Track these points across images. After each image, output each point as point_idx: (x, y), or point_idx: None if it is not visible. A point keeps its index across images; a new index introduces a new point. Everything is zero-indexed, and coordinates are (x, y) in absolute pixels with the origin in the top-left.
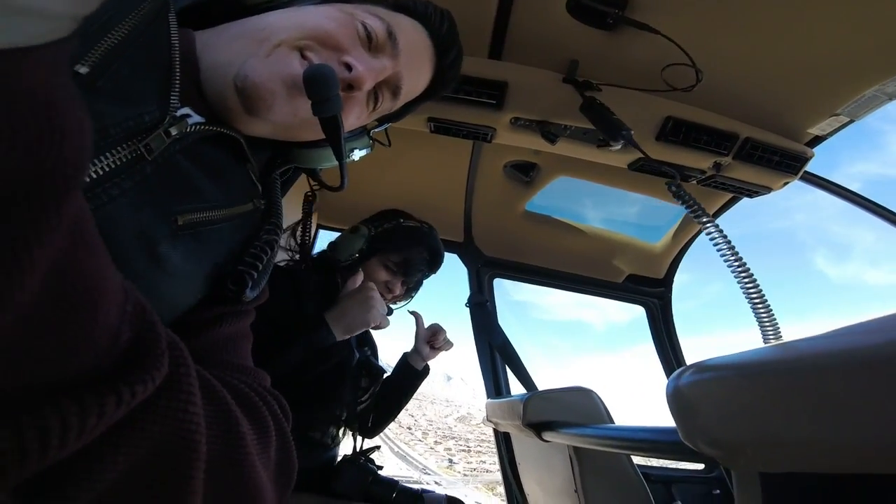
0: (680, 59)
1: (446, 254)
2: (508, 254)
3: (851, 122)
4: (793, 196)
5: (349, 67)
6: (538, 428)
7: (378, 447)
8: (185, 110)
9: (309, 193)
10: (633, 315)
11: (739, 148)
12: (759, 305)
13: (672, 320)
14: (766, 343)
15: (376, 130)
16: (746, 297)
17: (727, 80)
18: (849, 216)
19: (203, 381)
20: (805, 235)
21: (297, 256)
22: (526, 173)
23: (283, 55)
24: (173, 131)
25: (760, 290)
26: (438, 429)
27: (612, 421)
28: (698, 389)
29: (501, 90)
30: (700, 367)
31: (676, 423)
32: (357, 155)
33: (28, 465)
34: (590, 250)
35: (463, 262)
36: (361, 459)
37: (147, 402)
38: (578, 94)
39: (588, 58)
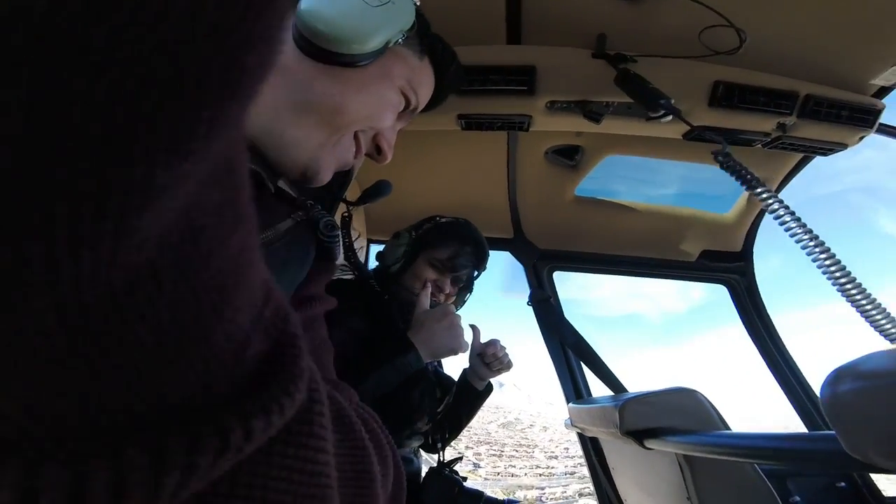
0: (717, 21)
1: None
2: (564, 244)
3: None
4: (839, 159)
5: (379, 150)
6: (639, 436)
7: (462, 457)
8: None
9: (345, 213)
10: (691, 303)
11: (802, 106)
12: (854, 293)
13: (759, 296)
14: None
15: None
16: (835, 285)
17: (774, 38)
18: None
19: (339, 410)
20: (860, 197)
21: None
22: (570, 157)
23: (346, 144)
24: None
25: (848, 273)
26: (475, 434)
27: (725, 424)
28: (864, 398)
29: (530, 75)
30: (858, 372)
31: (839, 432)
32: None
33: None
34: (654, 230)
35: (517, 258)
36: (446, 471)
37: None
38: (612, 68)
39: (615, 30)
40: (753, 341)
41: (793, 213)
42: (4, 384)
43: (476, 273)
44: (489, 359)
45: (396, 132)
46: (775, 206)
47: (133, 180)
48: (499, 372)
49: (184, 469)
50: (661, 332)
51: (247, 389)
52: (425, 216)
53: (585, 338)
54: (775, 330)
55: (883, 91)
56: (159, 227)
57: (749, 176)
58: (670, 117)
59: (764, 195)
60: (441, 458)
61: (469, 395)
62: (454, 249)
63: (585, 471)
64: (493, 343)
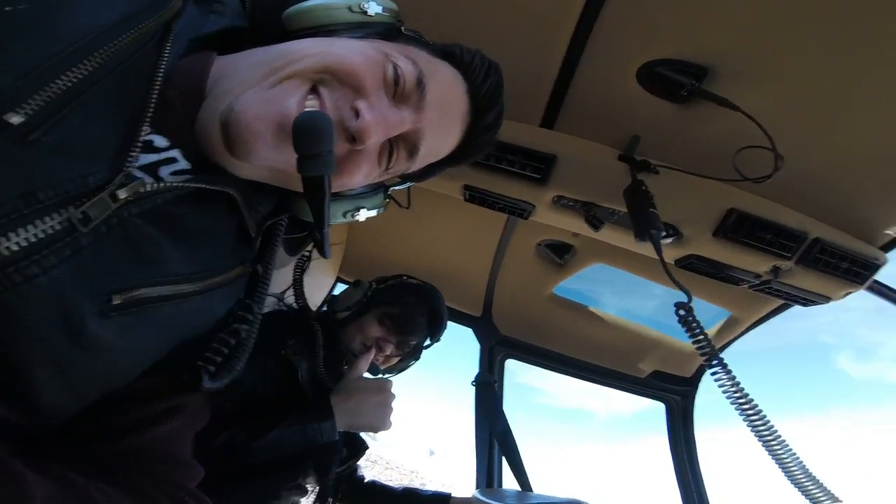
0: (757, 141)
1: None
2: (527, 335)
3: None
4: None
5: (357, 114)
6: None
7: None
8: (173, 153)
9: (305, 255)
10: (637, 408)
11: (806, 251)
12: (790, 463)
13: (692, 420)
14: None
15: (396, 189)
16: (769, 452)
17: (807, 170)
18: (880, 318)
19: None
20: (829, 337)
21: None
22: (560, 255)
23: (287, 89)
24: (122, 194)
25: (784, 443)
26: None
27: None
28: None
29: (548, 164)
30: None
31: None
32: (364, 215)
33: None
34: (616, 342)
35: (477, 337)
36: None
37: None
38: (630, 176)
39: (652, 133)
40: (672, 454)
41: (736, 384)
42: None
43: (427, 343)
44: None
45: (396, 123)
46: (722, 376)
47: None
48: None
49: None
50: (604, 430)
51: None
52: (402, 270)
53: (531, 425)
54: (696, 451)
55: (893, 244)
56: None
57: (702, 338)
58: (669, 240)
59: (712, 363)
60: None
61: None
62: (408, 311)
63: None
64: None
